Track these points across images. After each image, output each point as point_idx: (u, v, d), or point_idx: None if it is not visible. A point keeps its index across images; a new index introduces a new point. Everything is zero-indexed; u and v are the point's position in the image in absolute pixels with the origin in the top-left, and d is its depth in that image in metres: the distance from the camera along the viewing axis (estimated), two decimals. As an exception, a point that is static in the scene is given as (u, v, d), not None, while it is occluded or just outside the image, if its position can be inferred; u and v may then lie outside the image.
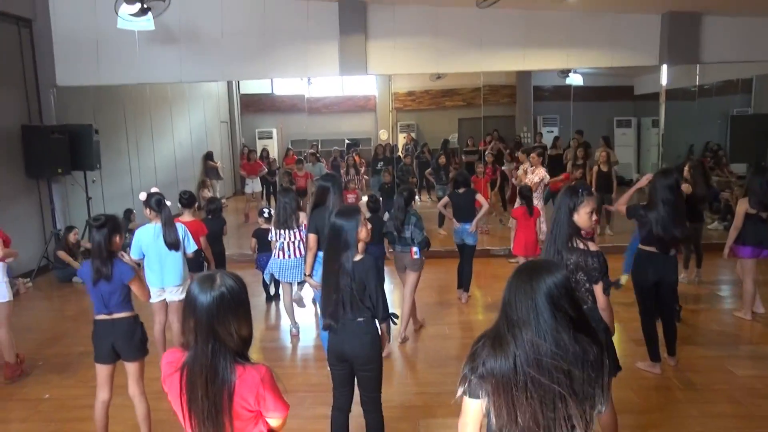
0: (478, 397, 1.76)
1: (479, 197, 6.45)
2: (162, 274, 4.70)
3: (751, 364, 4.80)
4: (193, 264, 5.17)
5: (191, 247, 4.84)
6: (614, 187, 8.95)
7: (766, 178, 5.51)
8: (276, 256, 5.69)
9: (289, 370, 5.06)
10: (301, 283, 6.07)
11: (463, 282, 6.60)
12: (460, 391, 1.81)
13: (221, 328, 1.84)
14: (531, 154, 8.20)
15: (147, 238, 4.67)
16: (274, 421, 1.97)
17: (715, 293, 6.67)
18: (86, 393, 4.57)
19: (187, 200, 5.63)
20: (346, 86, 14.16)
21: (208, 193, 12.14)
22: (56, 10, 8.56)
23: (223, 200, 12.67)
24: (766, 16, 8.32)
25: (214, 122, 13.88)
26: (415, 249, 5.30)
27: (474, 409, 1.79)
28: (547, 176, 8.00)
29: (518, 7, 8.03)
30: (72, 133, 8.36)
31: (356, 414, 3.31)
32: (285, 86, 14.09)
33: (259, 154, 12.43)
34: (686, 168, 6.86)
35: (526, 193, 6.60)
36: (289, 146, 13.29)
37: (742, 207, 5.51)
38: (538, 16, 8.55)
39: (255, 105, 14.68)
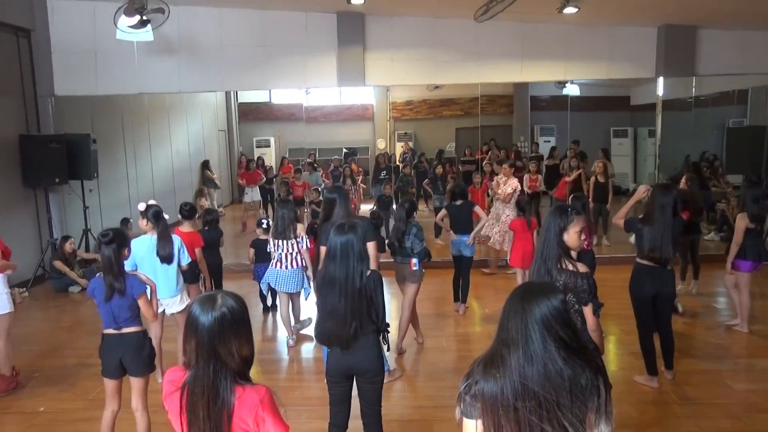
0: (472, 417, 1.76)
1: (477, 209, 6.47)
2: (158, 286, 4.67)
3: (748, 378, 4.81)
4: (189, 275, 5.16)
5: (185, 259, 4.81)
6: (610, 198, 8.99)
7: (759, 191, 5.55)
8: (273, 266, 5.72)
9: (286, 383, 5.04)
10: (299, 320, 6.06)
11: (461, 294, 6.60)
12: (457, 411, 1.81)
13: (222, 349, 1.84)
14: (503, 166, 8.30)
15: (141, 250, 4.65)
16: (273, 442, 1.96)
17: (712, 305, 6.67)
18: (82, 406, 4.57)
19: (188, 212, 5.64)
20: (344, 95, 14.20)
21: (205, 202, 12.13)
22: (55, 20, 8.58)
23: (221, 209, 12.67)
24: (761, 30, 8.39)
25: (212, 131, 13.89)
26: (414, 260, 5.30)
27: (472, 430, 1.78)
28: (519, 186, 8.05)
29: (516, 19, 8.08)
30: (69, 143, 8.36)
31: (352, 430, 3.29)
32: (283, 95, 14.10)
33: (255, 162, 12.43)
34: (683, 180, 6.90)
35: (524, 205, 6.62)
36: (285, 155, 13.30)
37: (742, 222, 5.53)
38: (536, 28, 8.61)
39: (253, 114, 14.69)
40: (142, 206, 4.66)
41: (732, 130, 10.93)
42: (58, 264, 7.89)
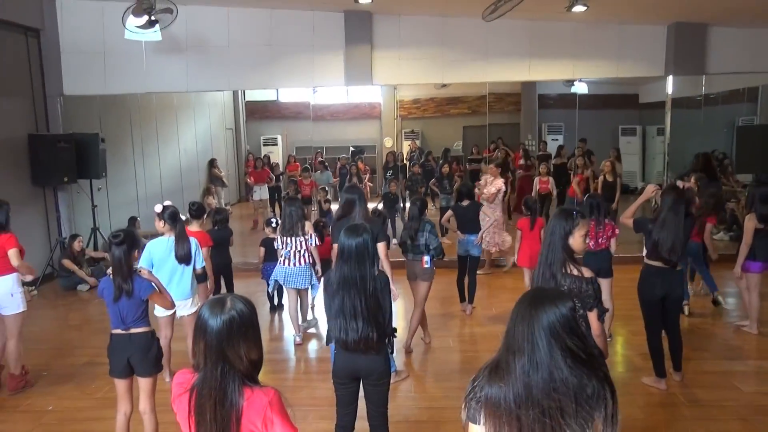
0: (477, 422, 1.75)
1: (485, 210, 6.44)
2: (171, 288, 4.60)
3: (757, 379, 4.78)
4: (199, 275, 5.17)
5: (200, 262, 4.80)
6: (617, 197, 8.94)
7: (766, 191, 5.51)
8: (282, 264, 5.75)
9: (292, 383, 5.05)
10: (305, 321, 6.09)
11: (469, 294, 6.59)
12: (463, 415, 1.80)
13: (231, 352, 1.85)
14: (490, 166, 8.28)
15: (160, 251, 4.65)
16: (281, 445, 1.96)
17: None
18: (90, 405, 4.60)
19: (196, 211, 5.65)
20: (351, 94, 14.20)
21: (213, 201, 12.17)
22: (64, 20, 8.63)
23: (228, 207, 12.70)
24: (771, 28, 8.33)
25: (220, 129, 13.93)
26: (426, 258, 5.34)
27: None
28: (504, 188, 7.98)
29: (524, 18, 8.04)
30: (78, 142, 8.42)
31: (359, 430, 3.29)
32: (290, 93, 14.13)
33: (261, 160, 12.47)
34: (692, 179, 6.85)
35: (531, 205, 6.59)
36: (293, 153, 13.32)
37: (751, 223, 5.48)
38: (544, 26, 8.57)
39: (260, 112, 14.73)
40: (158, 208, 4.67)
41: (742, 129, 10.84)
42: (67, 263, 7.94)
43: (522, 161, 11.45)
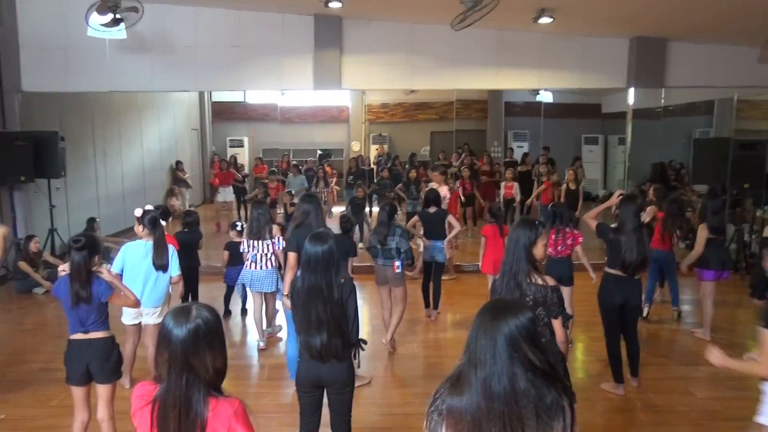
0: None
1: (451, 219, 6.52)
2: (143, 295, 4.50)
3: (710, 385, 4.93)
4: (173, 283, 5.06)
5: (175, 270, 4.63)
6: (579, 205, 9.14)
7: (719, 203, 5.72)
8: (248, 267, 5.71)
9: (255, 389, 4.99)
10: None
11: (433, 300, 6.64)
12: (425, 429, 1.81)
13: (196, 361, 1.84)
14: (434, 173, 8.40)
15: (135, 255, 4.54)
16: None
17: (676, 311, 6.81)
18: (45, 413, 4.46)
19: (161, 214, 5.53)
20: (320, 97, 14.14)
21: (176, 202, 11.95)
22: (24, 14, 8.36)
23: (191, 208, 12.49)
24: (726, 44, 8.64)
25: (185, 130, 13.70)
26: (398, 263, 5.41)
27: None
28: (448, 194, 8.10)
29: (492, 27, 8.15)
30: (36, 140, 8.15)
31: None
32: (257, 95, 13.99)
33: (227, 162, 12.32)
34: (650, 190, 7.06)
35: (496, 212, 6.68)
36: (259, 155, 13.20)
37: (703, 233, 5.70)
38: (511, 36, 8.71)
39: (227, 113, 14.55)
40: (138, 212, 4.58)
41: (698, 141, 11.21)
42: (23, 265, 7.68)
43: (486, 167, 11.62)
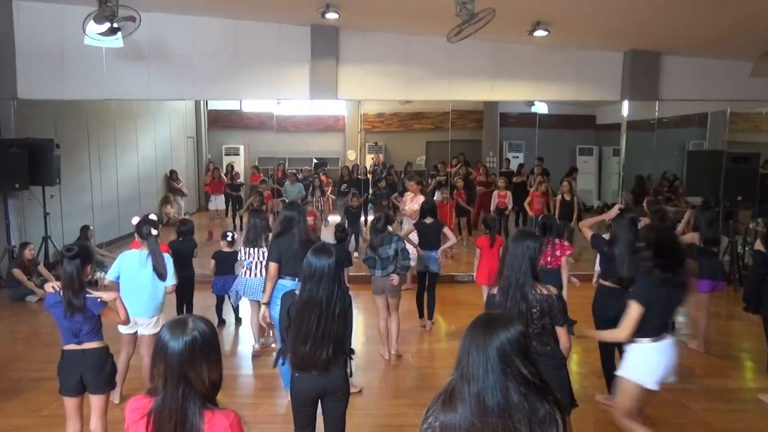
0: None
1: (446, 231, 6.52)
2: (138, 305, 4.43)
3: (704, 397, 4.94)
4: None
5: (171, 279, 4.56)
6: (575, 216, 9.19)
7: (712, 215, 5.77)
8: (243, 275, 5.72)
9: (249, 399, 4.96)
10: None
11: (428, 310, 6.64)
12: None
13: (192, 374, 1.83)
14: (410, 183, 8.44)
15: (131, 265, 4.48)
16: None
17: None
18: (36, 423, 4.42)
19: (152, 223, 5.51)
20: (316, 106, 14.18)
21: (171, 210, 11.94)
22: (20, 21, 8.37)
23: (186, 216, 12.46)
24: (719, 59, 8.74)
25: (180, 137, 13.69)
26: (395, 276, 5.48)
27: None
28: (416, 206, 8.09)
29: (488, 39, 8.21)
30: (31, 147, 8.15)
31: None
32: (253, 104, 14.02)
33: (224, 169, 12.31)
34: (644, 202, 7.11)
35: (490, 223, 6.69)
36: (255, 163, 13.20)
37: (690, 237, 5.78)
38: (507, 49, 8.78)
39: (222, 121, 14.57)
40: (135, 220, 4.57)
41: (692, 153, 11.29)
42: (17, 272, 7.63)
43: (482, 178, 11.66)
